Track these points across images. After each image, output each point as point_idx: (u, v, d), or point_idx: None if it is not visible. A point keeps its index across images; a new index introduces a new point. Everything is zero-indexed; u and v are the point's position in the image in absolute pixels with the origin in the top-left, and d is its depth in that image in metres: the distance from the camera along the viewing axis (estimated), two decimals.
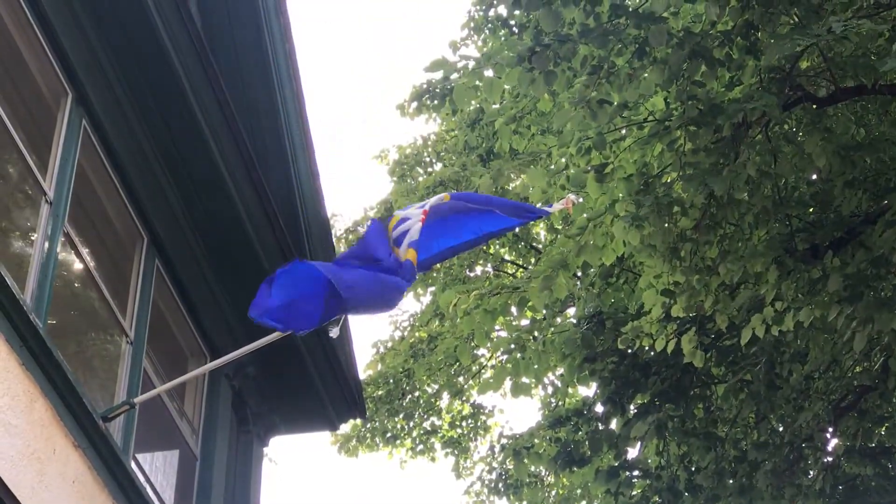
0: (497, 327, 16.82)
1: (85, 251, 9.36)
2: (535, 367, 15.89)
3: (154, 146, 9.36)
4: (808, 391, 13.87)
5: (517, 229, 17.04)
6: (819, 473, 14.31)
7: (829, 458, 14.43)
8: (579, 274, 15.39)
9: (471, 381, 21.72)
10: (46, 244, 8.01)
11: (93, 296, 9.88)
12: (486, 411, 23.58)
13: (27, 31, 8.08)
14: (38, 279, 7.85)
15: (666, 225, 11.09)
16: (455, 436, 23.37)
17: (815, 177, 12.37)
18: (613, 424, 15.69)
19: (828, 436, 14.51)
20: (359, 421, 20.30)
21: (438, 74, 11.92)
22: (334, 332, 8.12)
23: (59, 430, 7.59)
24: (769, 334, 11.66)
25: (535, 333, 16.20)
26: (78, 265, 9.59)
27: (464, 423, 23.44)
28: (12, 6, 7.90)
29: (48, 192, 8.12)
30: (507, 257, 20.69)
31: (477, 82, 11.79)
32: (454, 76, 11.76)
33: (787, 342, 13.06)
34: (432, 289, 20.31)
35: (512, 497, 20.55)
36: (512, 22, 16.30)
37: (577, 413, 17.37)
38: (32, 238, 8.38)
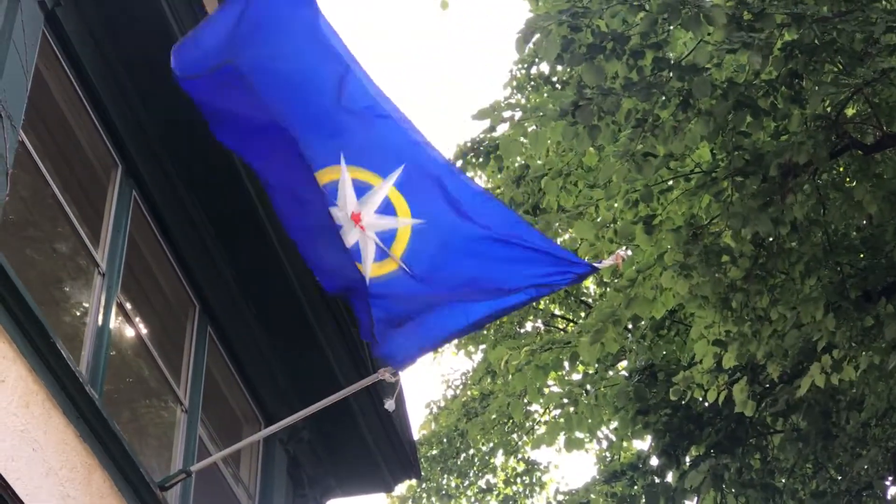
0: (549, 382, 16.79)
1: (138, 321, 9.41)
2: (589, 421, 15.84)
3: (203, 215, 9.42)
4: (866, 438, 13.75)
5: None
6: None
7: None
8: (630, 327, 15.34)
9: (524, 438, 21.63)
10: (100, 315, 8.05)
11: (147, 365, 9.92)
12: (541, 467, 23.50)
13: (76, 105, 8.16)
14: (93, 350, 7.89)
15: (716, 275, 11.06)
16: (510, 493, 23.28)
17: (864, 223, 12.31)
18: (669, 477, 15.60)
19: (887, 483, 14.37)
20: (414, 481, 20.25)
21: (486, 123, 11.98)
22: (390, 406, 8.04)
23: (117, 500, 7.60)
24: (828, 384, 11.55)
25: (588, 387, 16.15)
26: (132, 335, 9.63)
27: (519, 480, 23.35)
28: (62, 81, 7.99)
29: (101, 264, 8.18)
30: (556, 312, 20.65)
31: (522, 138, 11.83)
32: (500, 129, 11.82)
33: (842, 390, 12.96)
34: (483, 346, 20.28)
35: None
36: (554, 79, 16.36)
37: (632, 467, 17.30)
38: (86, 309, 8.42)
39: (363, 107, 7.55)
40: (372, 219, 7.51)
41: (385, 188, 7.54)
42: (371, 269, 7.55)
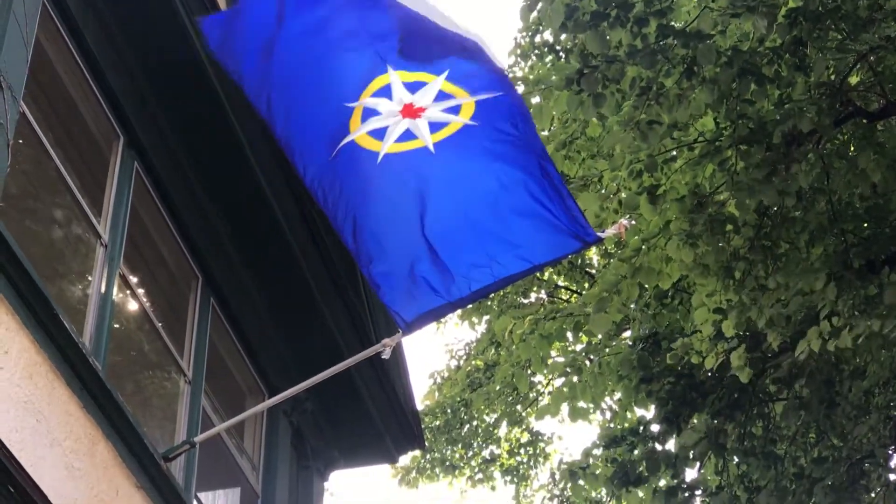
0: (553, 352, 16.77)
1: (141, 292, 9.40)
2: (592, 389, 15.83)
3: (205, 187, 9.40)
4: (868, 406, 13.76)
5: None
6: (881, 490, 14.17)
7: (893, 476, 14.28)
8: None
9: (528, 409, 21.63)
10: (103, 287, 8.05)
11: (150, 336, 9.92)
12: (545, 438, 23.50)
13: (78, 76, 8.14)
14: (95, 322, 7.88)
15: (720, 244, 11.04)
16: (514, 464, 23.29)
17: (869, 191, 12.28)
18: (670, 444, 15.60)
19: (889, 451, 14.37)
20: (418, 452, 20.26)
21: None
22: (386, 354, 8.06)
23: (122, 471, 7.61)
24: (826, 351, 11.53)
25: (591, 356, 16.14)
26: (134, 306, 9.62)
27: (523, 451, 23.36)
28: (63, 52, 7.97)
29: (103, 236, 8.17)
30: (560, 283, 20.61)
31: None
32: None
33: (845, 359, 12.96)
34: (487, 317, 20.25)
35: None
36: (558, 47, 16.29)
37: (632, 432, 17.26)
38: (89, 281, 8.41)
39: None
40: (430, 108, 7.79)
41: (438, 81, 7.81)
42: (389, 146, 7.73)
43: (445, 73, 7.85)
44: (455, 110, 7.77)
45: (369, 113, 7.81)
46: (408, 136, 7.74)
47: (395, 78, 7.85)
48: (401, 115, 7.77)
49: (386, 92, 7.84)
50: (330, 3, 8.08)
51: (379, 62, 7.90)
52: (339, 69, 7.97)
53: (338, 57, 8.01)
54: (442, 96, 7.82)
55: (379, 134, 7.74)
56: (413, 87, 7.86)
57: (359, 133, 7.76)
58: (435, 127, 7.76)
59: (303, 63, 8.00)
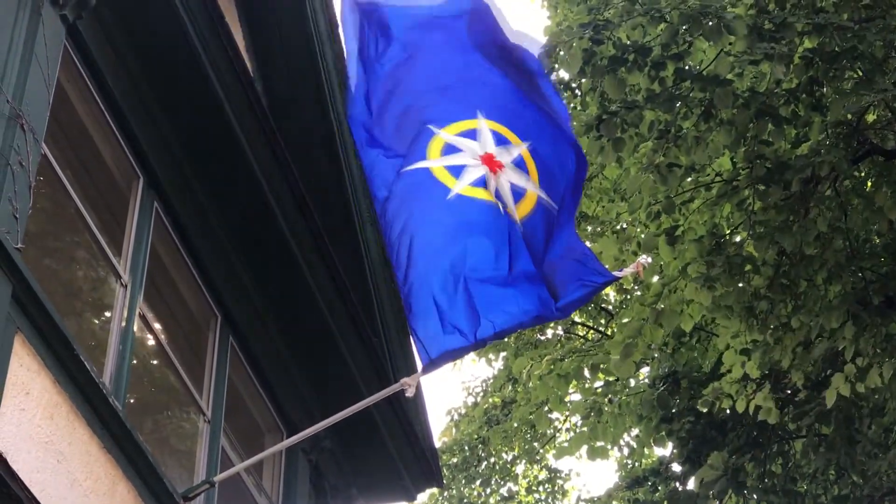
0: (570, 389, 16.78)
1: (160, 331, 9.43)
2: (612, 429, 15.84)
3: (225, 226, 9.43)
4: (888, 443, 13.73)
5: None
6: None
7: None
8: None
9: (546, 446, 21.61)
10: (123, 326, 8.08)
11: (169, 375, 9.94)
12: (563, 475, 23.47)
13: (98, 117, 8.18)
14: (115, 362, 7.90)
15: (739, 285, 11.04)
16: (532, 501, 23.26)
17: (886, 228, 12.27)
18: (691, 483, 15.58)
19: None
20: (436, 489, 20.24)
21: None
22: (410, 392, 8.11)
23: None
24: (852, 392, 11.52)
25: (610, 396, 16.15)
26: (154, 346, 9.65)
27: (541, 488, 23.32)
28: (83, 93, 8.02)
29: (123, 276, 8.20)
30: (577, 319, 20.64)
31: None
32: None
33: (865, 396, 12.93)
34: (504, 354, 20.27)
35: None
36: (574, 85, 16.35)
37: (654, 473, 17.25)
38: (109, 321, 8.44)
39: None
40: (508, 167, 8.01)
41: (520, 147, 8.09)
42: (463, 188, 7.93)
43: (528, 145, 8.12)
44: (521, 194, 8.02)
45: (450, 149, 8.03)
46: (481, 182, 7.94)
47: (485, 125, 8.08)
48: (481, 160, 7.99)
49: (472, 135, 8.07)
50: (413, 45, 8.28)
51: (469, 106, 8.13)
52: (428, 96, 8.21)
53: (427, 84, 8.25)
54: (519, 163, 8.07)
55: (456, 171, 7.95)
56: (499, 140, 8.10)
57: (436, 164, 7.96)
58: (516, 196, 7.99)
59: (396, 77, 8.25)
